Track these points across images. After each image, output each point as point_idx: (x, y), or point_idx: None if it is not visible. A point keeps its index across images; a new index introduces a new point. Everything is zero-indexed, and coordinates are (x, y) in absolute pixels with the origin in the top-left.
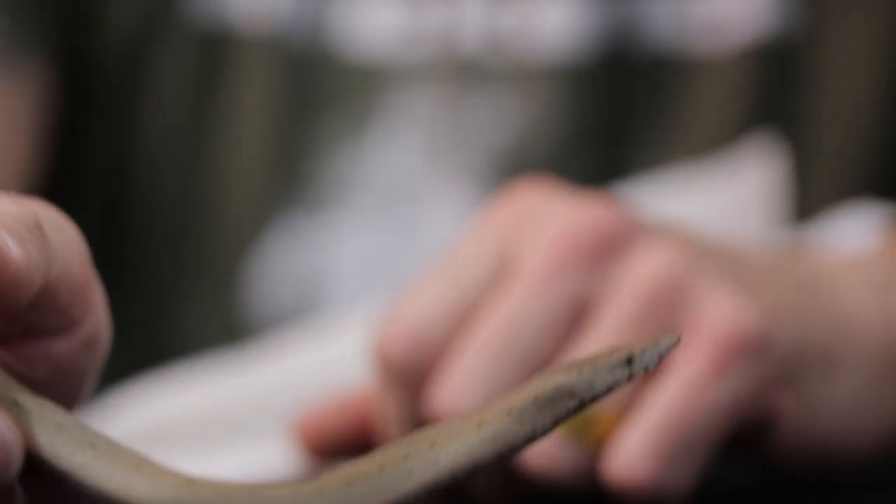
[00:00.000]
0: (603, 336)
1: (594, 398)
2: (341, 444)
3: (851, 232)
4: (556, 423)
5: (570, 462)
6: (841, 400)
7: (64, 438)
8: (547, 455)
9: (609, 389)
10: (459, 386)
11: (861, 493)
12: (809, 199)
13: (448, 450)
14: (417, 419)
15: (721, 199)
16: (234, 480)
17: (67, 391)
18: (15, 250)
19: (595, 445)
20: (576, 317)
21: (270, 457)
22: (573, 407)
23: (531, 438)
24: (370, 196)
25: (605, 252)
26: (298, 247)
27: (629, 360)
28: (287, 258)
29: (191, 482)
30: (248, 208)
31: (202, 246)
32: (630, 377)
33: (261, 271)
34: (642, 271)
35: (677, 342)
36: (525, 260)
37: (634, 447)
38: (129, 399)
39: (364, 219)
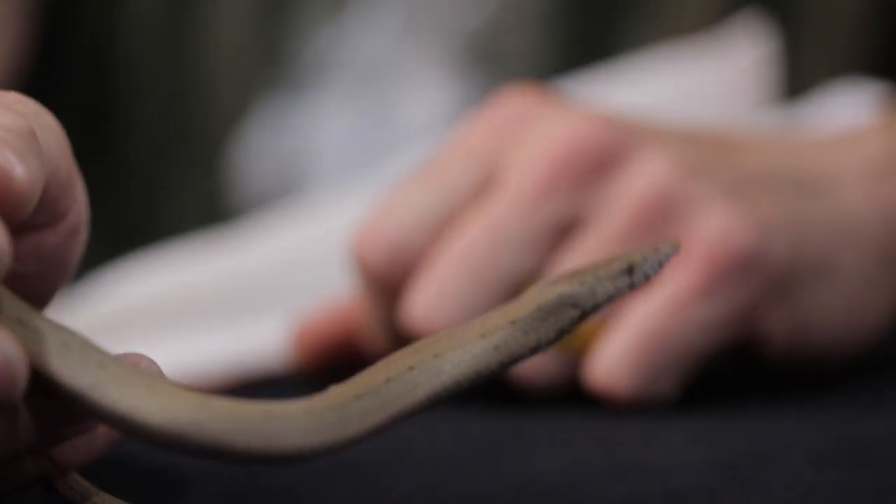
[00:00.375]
0: (590, 251)
1: (596, 307)
2: (335, 353)
3: (844, 110)
4: (559, 333)
5: (552, 369)
6: (835, 306)
7: (72, 358)
8: (530, 363)
9: (611, 298)
10: (433, 297)
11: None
12: (799, 77)
13: (452, 360)
14: (398, 325)
15: (710, 78)
16: (247, 400)
17: (54, 279)
18: (18, 169)
19: (578, 353)
20: (562, 234)
21: (261, 336)
22: (576, 317)
23: (534, 348)
24: (349, 77)
25: (596, 169)
26: (279, 128)
27: (630, 269)
28: (268, 140)
29: (204, 402)
30: (229, 91)
31: (184, 129)
32: (631, 286)
33: (242, 154)
34: (634, 187)
35: (678, 250)
36: (512, 172)
37: (616, 357)
38: (116, 280)
39: (343, 100)
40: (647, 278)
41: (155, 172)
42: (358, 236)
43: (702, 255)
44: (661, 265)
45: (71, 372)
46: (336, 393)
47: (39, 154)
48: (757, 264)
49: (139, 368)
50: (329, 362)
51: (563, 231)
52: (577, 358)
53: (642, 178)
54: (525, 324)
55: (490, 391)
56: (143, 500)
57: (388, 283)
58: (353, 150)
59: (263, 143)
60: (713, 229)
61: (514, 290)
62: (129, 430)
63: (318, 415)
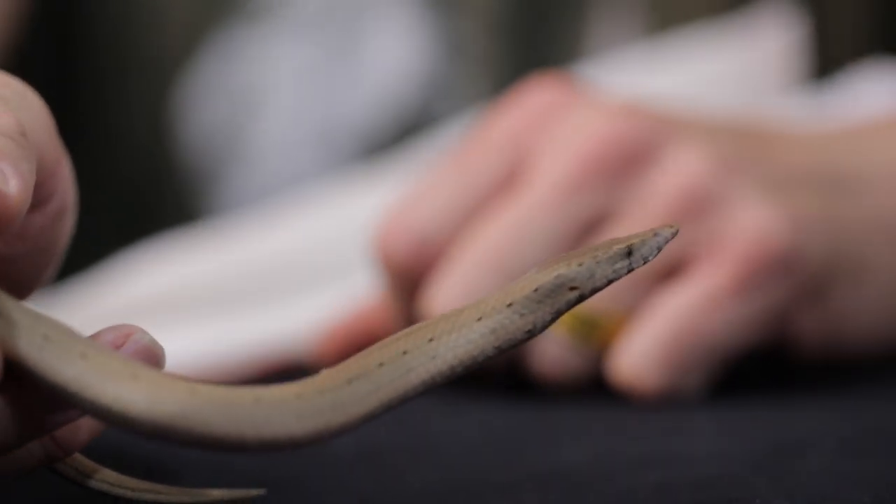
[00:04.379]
0: None
1: (594, 290)
2: None
3: (874, 93)
4: (556, 315)
5: (576, 363)
6: (870, 307)
7: (52, 349)
8: (553, 357)
9: (609, 281)
10: (455, 291)
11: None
12: (828, 59)
13: (447, 343)
14: (420, 319)
15: (738, 63)
16: (237, 386)
17: (41, 262)
18: (12, 183)
19: (600, 347)
20: (590, 230)
21: (285, 322)
22: (573, 299)
23: (531, 331)
24: (307, 10)
25: (629, 164)
26: (232, 61)
27: (629, 252)
28: (220, 73)
29: (192, 390)
30: (182, 21)
31: (137, 60)
32: (630, 269)
33: (194, 87)
34: (668, 183)
35: (676, 233)
36: (542, 167)
37: (644, 353)
38: (130, 268)
39: (300, 34)
40: (646, 261)
41: (107, 103)
42: (381, 227)
43: (736, 253)
44: (659, 249)
45: (52, 364)
46: (327, 377)
47: (32, 156)
48: (792, 264)
49: (124, 357)
50: None
51: (592, 227)
52: (600, 352)
53: (676, 174)
54: (522, 306)
55: (513, 384)
56: (149, 478)
57: (411, 275)
58: (310, 87)
59: (216, 77)
60: (748, 228)
61: None
62: (115, 421)
63: (309, 400)
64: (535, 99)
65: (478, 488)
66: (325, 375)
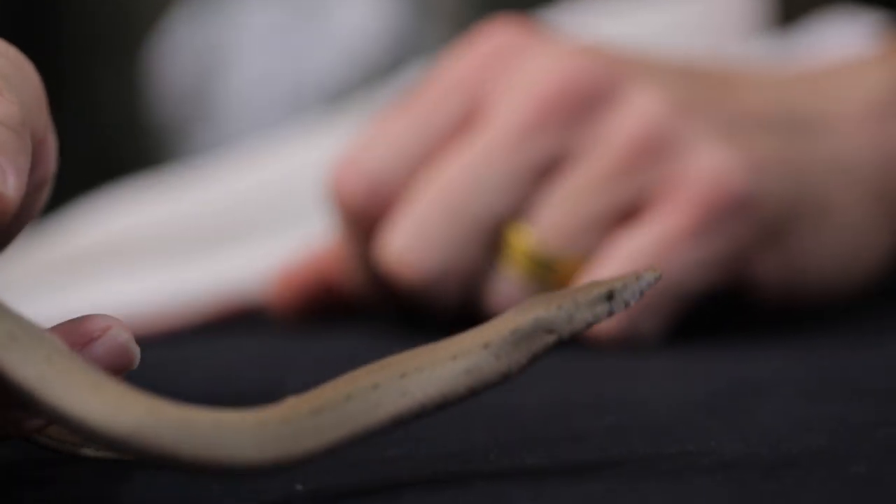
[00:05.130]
0: (576, 189)
1: (573, 334)
2: (315, 298)
3: (838, 40)
4: (533, 359)
5: None
6: (830, 250)
7: (17, 349)
8: (509, 298)
9: (588, 325)
10: (410, 235)
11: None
12: (792, 5)
13: (419, 381)
14: (375, 263)
15: (700, 8)
16: (198, 408)
17: (13, 231)
18: (10, 182)
19: (556, 290)
20: (546, 173)
21: (242, 267)
22: (551, 343)
23: (506, 374)
24: None
25: (585, 106)
26: (201, 22)
27: (610, 296)
28: (189, 33)
29: (153, 408)
30: None
31: (106, 23)
32: (611, 312)
33: (165, 45)
34: (624, 125)
35: (659, 278)
36: (498, 109)
37: None
38: (92, 212)
39: None
40: (627, 305)
41: (77, 66)
42: (335, 170)
43: (694, 195)
44: (641, 293)
45: (14, 365)
46: (292, 406)
47: (29, 144)
48: (750, 206)
49: (89, 366)
50: (310, 307)
51: (548, 169)
52: None
53: (633, 116)
54: (498, 348)
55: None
56: None
57: (365, 219)
58: (278, 50)
59: (185, 36)
60: (706, 170)
61: (495, 230)
62: (72, 429)
63: (270, 428)
64: (492, 41)
65: (428, 429)
66: (289, 404)
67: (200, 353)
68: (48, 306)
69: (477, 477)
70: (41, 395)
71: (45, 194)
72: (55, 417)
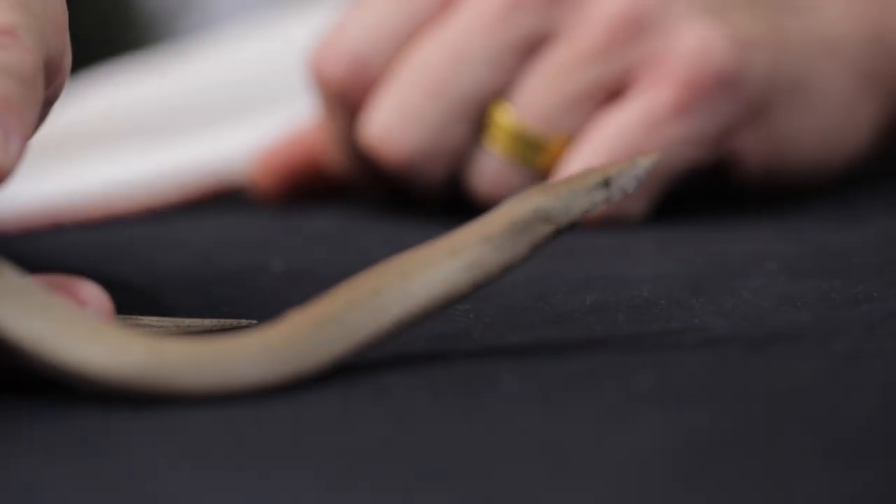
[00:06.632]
0: (559, 67)
1: (570, 223)
2: (298, 178)
3: None
4: (533, 249)
5: (516, 185)
6: (813, 127)
7: (8, 304)
8: (494, 177)
9: (586, 213)
10: (392, 114)
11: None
12: None
13: (420, 281)
14: (357, 142)
15: None
16: (203, 340)
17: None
18: (12, 144)
19: (541, 169)
20: (529, 51)
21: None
22: (550, 232)
23: (507, 266)
24: None
25: None
26: None
27: (606, 182)
28: None
29: (155, 347)
30: None
31: None
32: (608, 199)
33: None
34: (608, 3)
35: (656, 163)
36: None
37: None
38: (75, 93)
39: None
40: (624, 192)
41: None
42: (316, 50)
43: (677, 73)
44: (638, 179)
45: (6, 320)
46: (294, 322)
47: (41, 94)
48: (734, 83)
49: (85, 314)
50: (293, 187)
51: (531, 48)
52: (541, 173)
53: None
54: (498, 240)
55: (452, 205)
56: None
57: (347, 98)
58: None
59: None
60: (690, 47)
61: (478, 108)
62: (72, 380)
63: (275, 350)
64: None
65: None
66: (291, 320)
67: (183, 231)
68: (30, 189)
69: (461, 356)
70: (35, 349)
71: (48, 112)
72: (52, 370)
